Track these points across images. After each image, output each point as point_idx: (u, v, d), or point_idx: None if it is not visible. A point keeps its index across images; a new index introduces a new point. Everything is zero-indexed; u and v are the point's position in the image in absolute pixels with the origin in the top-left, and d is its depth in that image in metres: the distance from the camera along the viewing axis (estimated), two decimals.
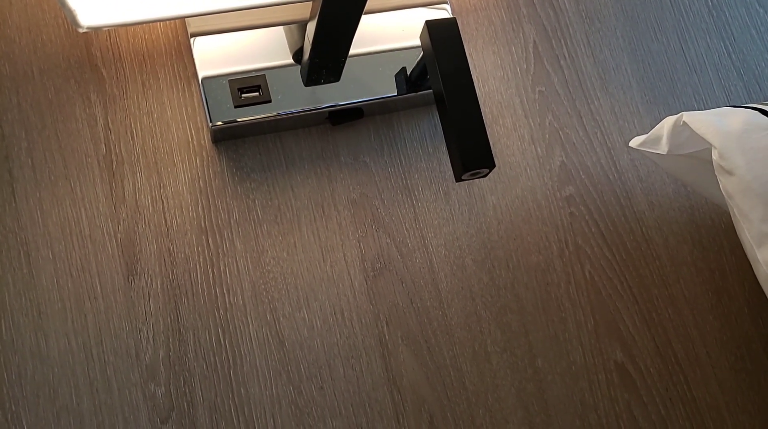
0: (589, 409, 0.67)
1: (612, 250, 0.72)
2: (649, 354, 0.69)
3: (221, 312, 0.64)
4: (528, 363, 0.67)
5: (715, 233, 0.74)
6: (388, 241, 0.68)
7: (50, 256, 0.63)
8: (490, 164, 0.55)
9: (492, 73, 0.74)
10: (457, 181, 0.57)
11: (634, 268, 0.72)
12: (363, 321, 0.66)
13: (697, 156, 0.63)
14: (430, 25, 0.56)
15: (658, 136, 0.63)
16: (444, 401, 0.65)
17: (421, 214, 0.70)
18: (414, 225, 0.69)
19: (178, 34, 0.69)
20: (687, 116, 0.59)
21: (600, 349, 0.69)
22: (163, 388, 0.62)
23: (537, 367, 0.68)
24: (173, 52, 0.69)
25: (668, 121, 0.62)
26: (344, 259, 0.67)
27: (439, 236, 0.69)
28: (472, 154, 0.54)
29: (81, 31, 0.57)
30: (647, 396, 0.69)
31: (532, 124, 0.74)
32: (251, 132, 0.68)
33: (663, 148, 0.63)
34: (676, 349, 0.70)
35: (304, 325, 0.65)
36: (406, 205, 0.70)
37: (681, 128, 0.60)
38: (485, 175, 0.56)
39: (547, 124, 0.74)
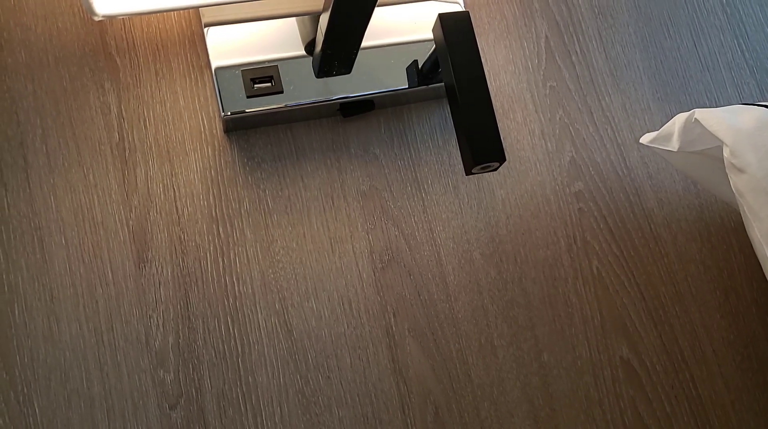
0: (593, 404, 0.68)
1: (620, 246, 0.72)
2: (655, 351, 0.70)
3: (230, 300, 0.65)
4: (534, 357, 0.68)
5: (724, 231, 0.74)
6: (397, 233, 0.69)
7: (63, 241, 0.64)
8: (501, 158, 0.55)
9: (503, 68, 0.74)
10: (467, 175, 0.57)
11: (642, 264, 0.72)
12: (370, 312, 0.66)
13: (708, 153, 0.63)
14: (443, 18, 0.56)
15: (670, 133, 0.63)
16: (449, 393, 0.66)
17: (429, 206, 0.70)
18: (423, 218, 0.69)
19: (192, 24, 0.70)
20: (699, 113, 0.59)
21: (606, 344, 0.69)
22: (172, 374, 0.62)
23: (543, 361, 0.68)
24: (187, 42, 0.69)
25: (680, 118, 0.62)
26: (353, 250, 0.68)
27: (448, 229, 0.69)
28: (482, 147, 0.55)
29: (96, 19, 0.58)
30: (652, 392, 0.69)
31: (543, 119, 0.74)
32: (263, 122, 0.68)
33: (674, 145, 0.63)
34: (682, 347, 0.70)
35: (312, 315, 0.66)
36: (415, 198, 0.70)
37: (693, 125, 0.60)
38: (495, 169, 0.56)
39: (558, 119, 0.74)
